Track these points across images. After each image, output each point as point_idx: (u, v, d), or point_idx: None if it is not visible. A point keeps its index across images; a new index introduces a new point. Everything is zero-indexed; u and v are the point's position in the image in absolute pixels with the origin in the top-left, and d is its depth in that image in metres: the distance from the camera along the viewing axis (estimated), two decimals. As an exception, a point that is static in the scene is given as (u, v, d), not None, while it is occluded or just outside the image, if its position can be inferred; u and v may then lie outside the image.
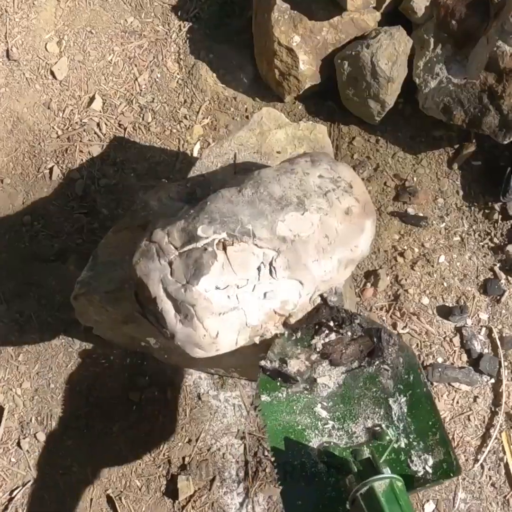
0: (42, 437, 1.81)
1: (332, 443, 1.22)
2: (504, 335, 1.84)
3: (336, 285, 1.40)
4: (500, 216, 1.93)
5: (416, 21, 1.89)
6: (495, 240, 1.92)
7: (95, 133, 2.07)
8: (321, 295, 1.38)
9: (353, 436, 1.23)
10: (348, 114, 2.05)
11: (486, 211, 1.94)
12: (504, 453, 1.76)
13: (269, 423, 1.24)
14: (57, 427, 1.83)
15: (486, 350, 1.83)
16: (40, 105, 2.11)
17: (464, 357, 1.83)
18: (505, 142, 1.79)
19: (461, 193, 1.98)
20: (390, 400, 1.23)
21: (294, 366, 1.26)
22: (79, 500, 1.76)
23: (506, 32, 1.68)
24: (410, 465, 1.18)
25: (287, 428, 1.24)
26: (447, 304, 1.87)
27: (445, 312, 1.86)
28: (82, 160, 2.05)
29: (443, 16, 1.78)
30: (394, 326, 1.84)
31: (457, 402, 1.80)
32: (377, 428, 1.21)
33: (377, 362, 1.25)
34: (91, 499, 1.76)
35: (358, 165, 2.00)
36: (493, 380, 1.81)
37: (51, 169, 2.04)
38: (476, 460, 1.76)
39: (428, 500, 1.74)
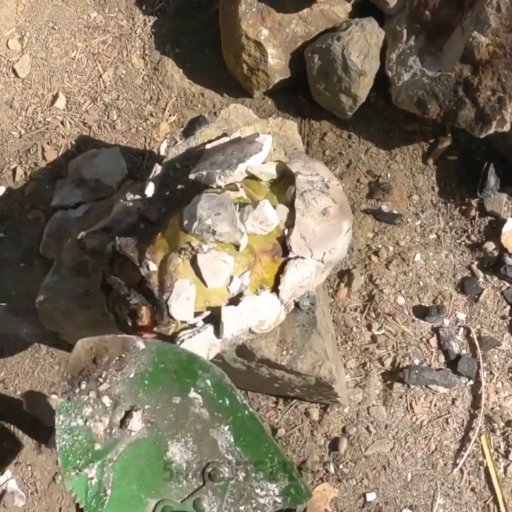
0: (9, 446, 1.75)
1: (168, 502, 1.07)
2: (482, 335, 1.79)
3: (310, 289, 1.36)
4: (477, 212, 1.88)
5: (388, 12, 1.83)
6: (472, 237, 1.87)
7: (59, 132, 2.00)
8: (296, 303, 1.34)
9: (189, 484, 1.09)
10: (319, 109, 1.99)
11: (463, 207, 1.89)
12: (484, 456, 1.70)
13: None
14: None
15: (464, 351, 1.78)
16: (2, 104, 2.04)
17: (442, 359, 1.78)
18: (482, 136, 1.74)
19: (436, 189, 1.92)
20: (212, 432, 1.09)
21: (99, 428, 1.08)
22: (48, 509, 1.70)
23: (482, 22, 1.63)
24: (256, 498, 1.08)
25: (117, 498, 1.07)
26: (423, 304, 1.82)
27: (421, 312, 1.81)
28: (46, 160, 1.98)
29: (416, 6, 1.73)
30: (369, 327, 1.78)
31: (435, 405, 1.75)
32: (209, 469, 1.07)
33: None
34: (60, 509, 1.70)
35: (330, 161, 1.95)
36: (471, 382, 1.76)
37: (14, 170, 1.97)
38: (455, 464, 1.71)
39: (405, 507, 1.69)
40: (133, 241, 1.27)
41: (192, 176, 1.31)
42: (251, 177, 1.31)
